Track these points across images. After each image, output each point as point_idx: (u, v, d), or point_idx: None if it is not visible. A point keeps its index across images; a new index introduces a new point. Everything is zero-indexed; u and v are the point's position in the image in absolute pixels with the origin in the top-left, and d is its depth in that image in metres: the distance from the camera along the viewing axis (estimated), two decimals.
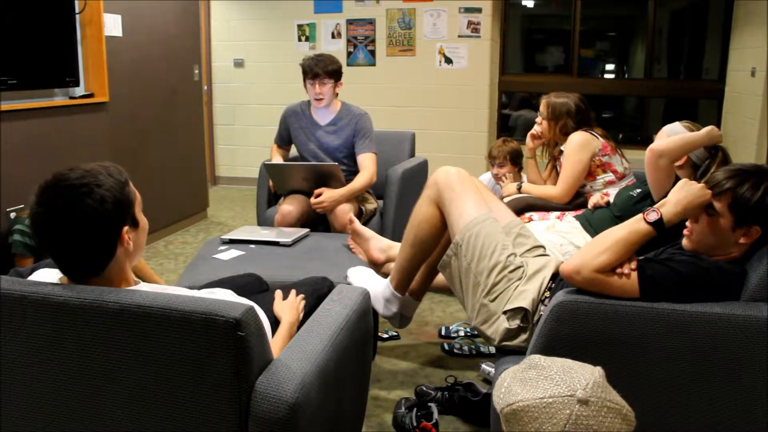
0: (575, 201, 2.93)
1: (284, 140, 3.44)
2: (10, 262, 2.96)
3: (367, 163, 3.21)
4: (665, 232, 1.57)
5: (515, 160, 3.36)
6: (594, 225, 2.60)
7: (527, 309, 1.80)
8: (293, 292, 1.77)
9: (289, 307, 1.68)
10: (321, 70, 3.13)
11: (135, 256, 1.38)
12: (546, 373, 1.11)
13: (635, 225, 1.58)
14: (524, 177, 3.41)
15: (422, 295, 2.34)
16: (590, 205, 2.76)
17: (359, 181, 3.14)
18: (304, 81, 3.22)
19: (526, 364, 1.17)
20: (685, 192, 1.60)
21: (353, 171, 3.29)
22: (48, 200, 1.26)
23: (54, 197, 1.25)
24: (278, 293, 1.76)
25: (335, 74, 3.19)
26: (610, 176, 2.87)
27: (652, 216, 1.56)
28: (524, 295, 1.83)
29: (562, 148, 2.99)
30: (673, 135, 2.35)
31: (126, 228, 1.31)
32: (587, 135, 2.88)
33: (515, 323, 1.81)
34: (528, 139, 3.12)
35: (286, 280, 2.21)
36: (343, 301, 1.63)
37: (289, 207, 3.04)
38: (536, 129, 3.08)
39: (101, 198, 1.25)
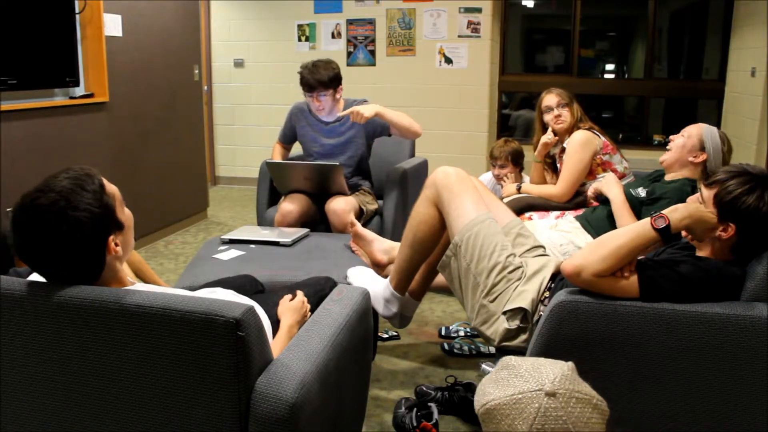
0: (575, 200, 2.93)
1: (288, 139, 3.45)
2: (10, 262, 2.96)
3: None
4: (670, 237, 1.57)
5: (516, 161, 3.36)
6: (594, 225, 2.60)
7: (527, 309, 1.80)
8: (300, 293, 1.76)
9: (290, 309, 1.67)
10: (316, 82, 3.05)
11: (125, 255, 1.36)
12: (516, 372, 1.14)
13: (640, 230, 1.56)
14: (525, 178, 3.41)
15: (422, 295, 2.34)
16: (590, 192, 2.75)
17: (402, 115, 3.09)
18: (303, 92, 3.17)
19: (500, 366, 1.19)
20: (696, 206, 1.60)
21: (357, 171, 3.32)
22: (23, 228, 1.22)
23: (28, 226, 1.22)
24: (286, 297, 1.75)
25: (332, 83, 3.10)
26: (610, 175, 2.87)
27: (660, 222, 1.55)
28: (524, 296, 1.83)
29: (564, 145, 2.98)
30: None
31: (111, 237, 1.28)
32: (589, 133, 2.88)
33: (515, 323, 1.81)
34: (540, 147, 3.07)
35: (286, 281, 2.21)
36: (343, 301, 1.63)
37: (289, 206, 3.04)
38: (548, 136, 3.02)
39: (77, 221, 1.21)
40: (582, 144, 2.86)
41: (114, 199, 1.31)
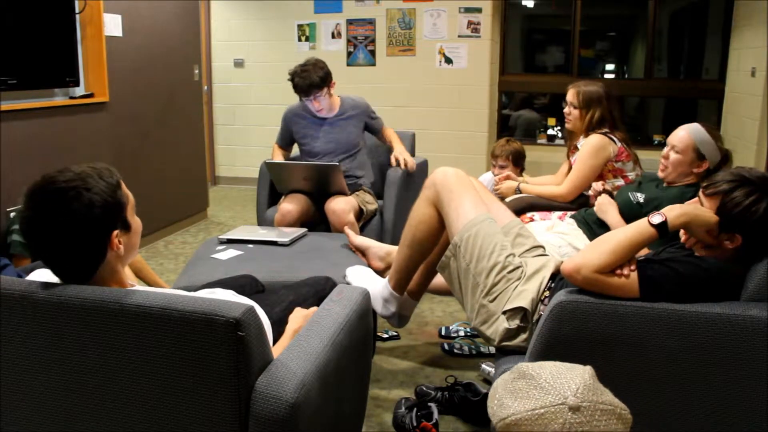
0: (577, 201, 2.92)
1: (286, 141, 3.47)
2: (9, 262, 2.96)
3: (392, 133, 3.56)
4: (668, 235, 1.57)
5: (517, 161, 3.34)
6: (589, 221, 2.59)
7: (527, 309, 1.80)
8: (314, 308, 1.76)
9: (301, 316, 1.66)
10: (311, 88, 3.15)
11: (127, 258, 1.37)
12: (535, 383, 1.09)
13: (639, 227, 1.57)
14: (526, 177, 3.40)
15: (420, 295, 2.34)
16: (593, 196, 2.71)
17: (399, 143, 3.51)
18: (299, 97, 3.26)
19: (516, 374, 1.15)
20: (694, 206, 1.60)
21: (357, 163, 3.39)
22: (36, 203, 1.25)
23: (42, 200, 1.24)
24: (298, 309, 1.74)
25: (325, 81, 3.19)
26: (620, 182, 2.83)
27: (657, 219, 1.55)
28: (524, 295, 1.83)
29: (578, 145, 2.95)
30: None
31: (116, 232, 1.29)
32: (605, 139, 2.81)
33: (515, 323, 1.81)
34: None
35: (285, 280, 2.21)
36: (343, 301, 1.63)
37: (288, 206, 3.05)
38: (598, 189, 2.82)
39: (89, 202, 1.24)
40: (596, 149, 2.80)
41: (127, 200, 1.34)
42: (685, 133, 2.35)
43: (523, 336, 1.81)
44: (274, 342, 1.57)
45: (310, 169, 3.14)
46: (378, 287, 2.26)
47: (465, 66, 5.63)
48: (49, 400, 1.29)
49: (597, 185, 2.72)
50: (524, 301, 1.81)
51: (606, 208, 2.54)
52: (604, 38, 6.46)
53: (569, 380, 1.08)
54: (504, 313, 1.83)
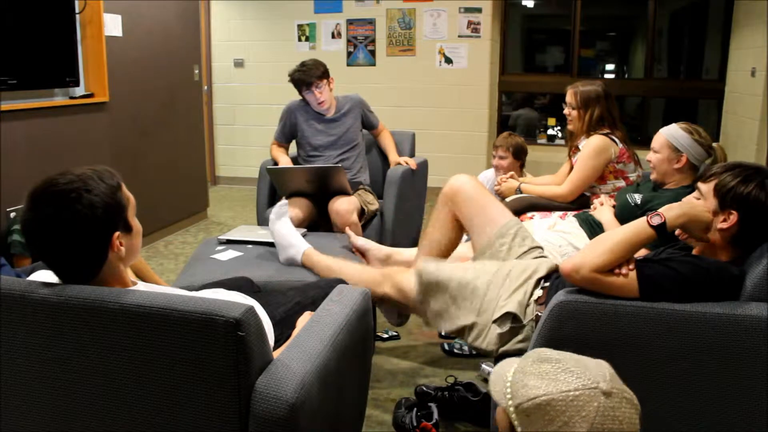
0: (578, 201, 2.92)
1: (286, 137, 3.47)
2: (9, 262, 2.96)
3: (389, 139, 3.64)
4: (667, 235, 1.58)
5: (518, 155, 3.33)
6: (592, 222, 2.60)
7: (514, 312, 1.82)
8: None
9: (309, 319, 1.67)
10: (313, 78, 3.25)
11: (129, 259, 1.37)
12: (563, 366, 1.09)
13: (637, 227, 1.58)
14: (528, 176, 3.40)
15: None
16: (593, 207, 2.73)
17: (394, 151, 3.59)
18: (300, 93, 3.33)
19: (536, 358, 1.14)
20: (691, 205, 1.62)
21: (358, 160, 3.44)
22: (37, 206, 1.25)
23: (43, 203, 1.24)
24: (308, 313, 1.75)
25: (325, 74, 3.30)
26: (621, 183, 2.83)
27: (656, 220, 1.56)
28: (511, 299, 1.85)
29: (580, 146, 2.95)
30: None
31: (117, 234, 1.29)
32: (606, 140, 2.81)
33: (506, 326, 1.82)
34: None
35: (285, 280, 2.21)
36: (343, 301, 1.63)
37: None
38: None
39: (90, 204, 1.24)
40: (596, 151, 2.80)
41: (128, 202, 1.34)
42: (659, 134, 2.45)
43: (519, 337, 1.81)
44: (276, 342, 1.57)
45: (313, 172, 3.13)
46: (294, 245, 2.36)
47: (465, 66, 5.63)
48: (50, 400, 1.29)
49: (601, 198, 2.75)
50: (511, 306, 1.83)
51: (602, 209, 2.61)
52: (604, 38, 6.47)
53: (595, 367, 1.09)
54: (494, 322, 1.85)
